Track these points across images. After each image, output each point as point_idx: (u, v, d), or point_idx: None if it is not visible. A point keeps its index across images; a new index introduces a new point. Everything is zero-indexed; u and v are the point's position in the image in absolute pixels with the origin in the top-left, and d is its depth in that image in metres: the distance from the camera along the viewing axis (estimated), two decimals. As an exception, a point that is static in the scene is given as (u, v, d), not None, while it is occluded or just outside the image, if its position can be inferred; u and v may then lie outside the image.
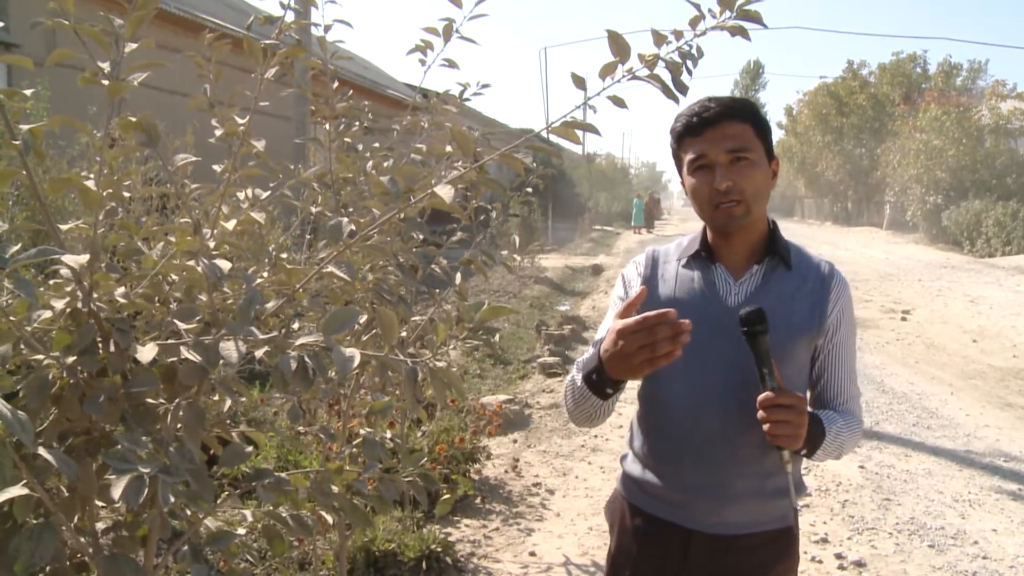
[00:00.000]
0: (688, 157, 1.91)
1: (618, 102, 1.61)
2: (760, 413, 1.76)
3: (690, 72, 1.62)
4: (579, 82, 1.57)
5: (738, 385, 1.85)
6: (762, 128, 1.91)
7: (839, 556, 4.61)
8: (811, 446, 1.84)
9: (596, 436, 6.66)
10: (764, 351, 1.78)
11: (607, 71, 1.55)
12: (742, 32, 1.63)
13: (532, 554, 4.51)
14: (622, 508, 2.09)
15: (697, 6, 1.59)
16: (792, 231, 37.24)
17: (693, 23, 1.60)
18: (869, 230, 43.32)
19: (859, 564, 4.53)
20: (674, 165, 2.01)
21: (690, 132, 1.90)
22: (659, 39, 1.59)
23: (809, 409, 1.84)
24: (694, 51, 1.61)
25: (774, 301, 1.90)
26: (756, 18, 1.62)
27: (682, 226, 45.20)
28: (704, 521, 1.93)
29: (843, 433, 1.91)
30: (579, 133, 1.62)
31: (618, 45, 1.53)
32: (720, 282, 1.96)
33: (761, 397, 1.76)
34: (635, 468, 2.07)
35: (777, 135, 60.09)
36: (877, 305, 14.44)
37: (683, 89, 1.62)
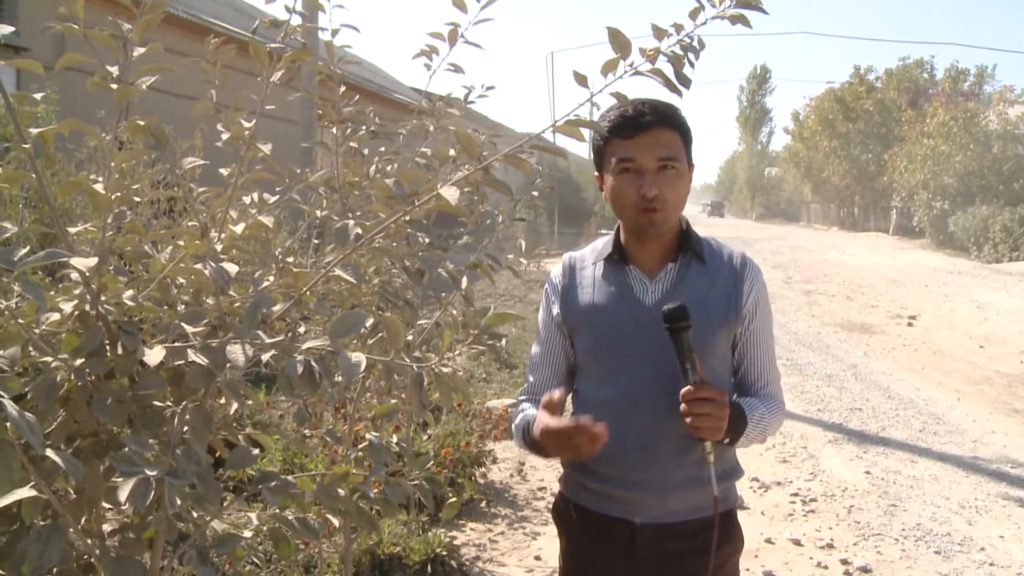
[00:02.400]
0: (615, 158, 1.94)
1: (621, 98, 1.61)
2: (683, 407, 1.82)
3: (692, 65, 1.62)
4: (582, 80, 1.57)
5: (665, 379, 1.90)
6: (688, 136, 1.96)
7: (845, 562, 4.60)
8: (733, 435, 1.90)
9: (601, 441, 6.64)
10: (686, 346, 1.84)
11: (609, 67, 1.55)
12: (743, 20, 1.63)
13: (537, 558, 4.51)
14: (568, 509, 2.13)
15: None
16: (798, 236, 37.26)
17: (693, 14, 1.59)
18: (875, 235, 43.25)
19: (865, 570, 4.52)
20: (593, 159, 2.05)
21: (621, 133, 1.93)
22: (659, 33, 1.59)
23: (733, 399, 1.93)
24: (695, 43, 1.61)
25: (690, 296, 1.94)
26: (755, 5, 1.61)
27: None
28: (648, 514, 1.98)
29: (765, 418, 1.97)
30: (586, 134, 1.62)
31: (619, 41, 1.53)
32: (635, 282, 2.02)
33: (683, 391, 1.83)
34: (576, 469, 2.09)
35: (784, 140, 59.81)
36: (883, 311, 14.41)
37: (685, 82, 1.61)
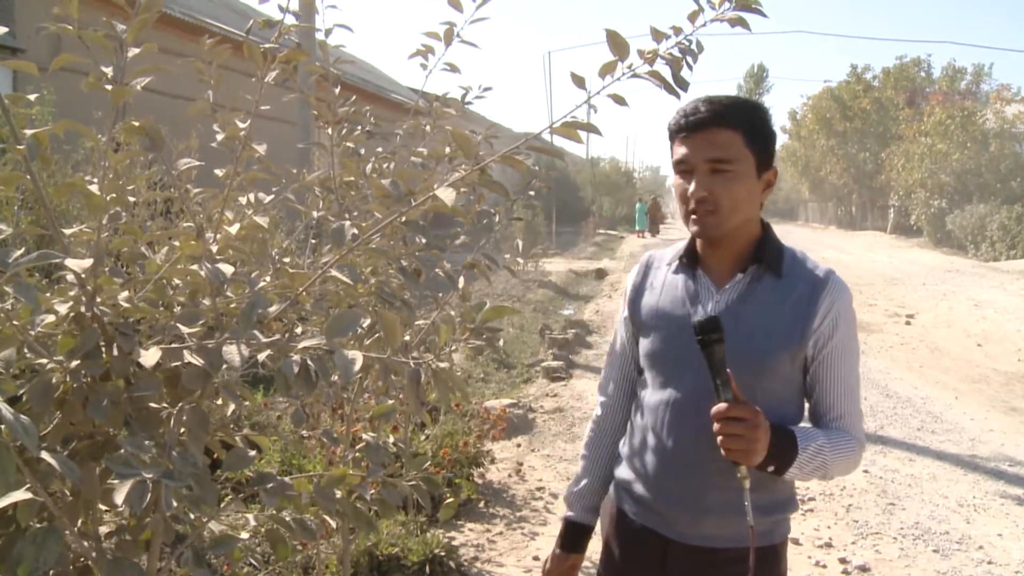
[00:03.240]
0: (674, 157, 1.88)
1: (619, 100, 1.60)
2: (715, 426, 1.71)
3: (690, 67, 1.62)
4: (579, 81, 1.57)
5: (714, 394, 1.76)
6: (756, 136, 1.82)
7: (843, 561, 4.61)
8: (778, 463, 1.76)
9: (600, 440, 6.65)
10: (719, 360, 1.72)
11: (607, 69, 1.54)
12: (742, 22, 1.62)
13: (535, 558, 4.50)
14: (611, 511, 2.10)
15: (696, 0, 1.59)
16: (795, 235, 37.25)
17: (692, 17, 1.59)
18: (873, 234, 43.30)
19: (863, 569, 4.52)
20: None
21: (678, 132, 1.86)
22: (658, 35, 1.59)
23: (793, 425, 1.80)
24: (694, 46, 1.61)
25: (756, 311, 1.85)
26: (755, 8, 1.61)
27: (685, 230, 45.11)
28: (680, 531, 1.90)
29: (824, 452, 1.80)
30: (582, 135, 1.62)
31: (617, 43, 1.53)
32: (703, 290, 1.92)
33: (714, 409, 1.72)
34: (623, 472, 2.05)
35: (781, 139, 60.09)
36: (881, 309, 14.42)
37: (683, 85, 1.61)
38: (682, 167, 1.85)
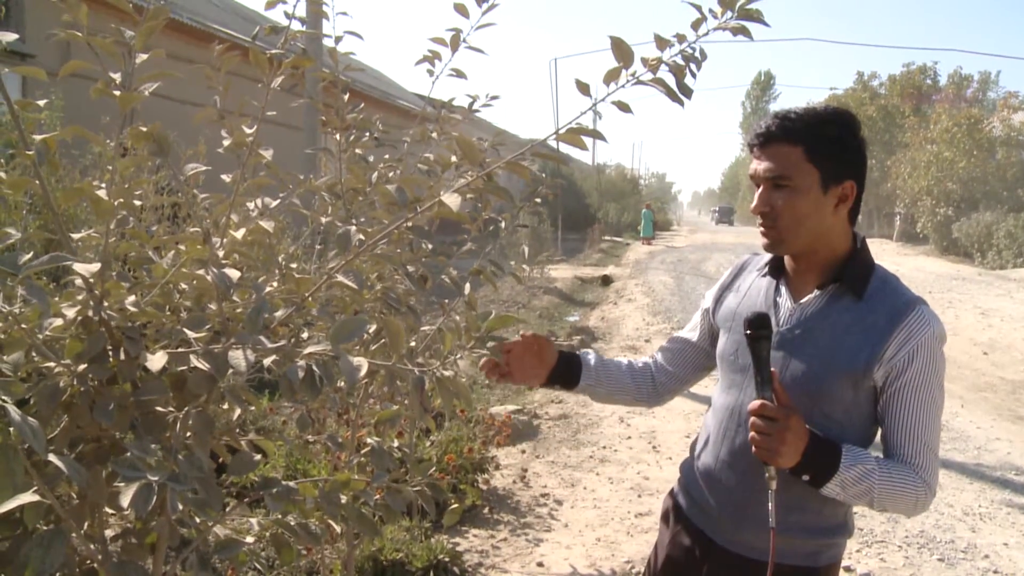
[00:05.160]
0: (750, 170, 1.91)
1: (623, 107, 1.61)
2: (751, 420, 1.73)
3: (694, 75, 1.63)
4: (584, 88, 1.58)
5: (757, 392, 1.77)
6: (820, 150, 1.79)
7: (848, 569, 4.59)
8: (814, 473, 1.73)
9: (604, 447, 6.65)
10: (764, 357, 1.74)
11: (611, 77, 1.56)
12: (744, 32, 1.63)
13: (540, 564, 4.50)
14: (670, 502, 2.16)
15: (699, 8, 1.60)
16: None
17: (695, 25, 1.60)
18: (880, 242, 43.18)
19: (869, 577, 4.51)
20: None
21: (751, 147, 1.89)
22: (662, 43, 1.60)
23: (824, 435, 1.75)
24: (697, 54, 1.62)
25: (826, 330, 1.82)
26: (758, 17, 1.62)
27: (691, 237, 45.14)
28: (723, 536, 1.94)
29: (872, 476, 1.72)
30: (588, 142, 1.63)
31: (621, 50, 1.54)
32: (782, 301, 1.92)
33: (750, 404, 1.74)
34: (687, 470, 2.10)
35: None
36: (887, 317, 14.37)
37: (687, 92, 1.62)
38: (753, 180, 1.88)
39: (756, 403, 1.72)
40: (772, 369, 1.75)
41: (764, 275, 1.99)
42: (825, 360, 1.79)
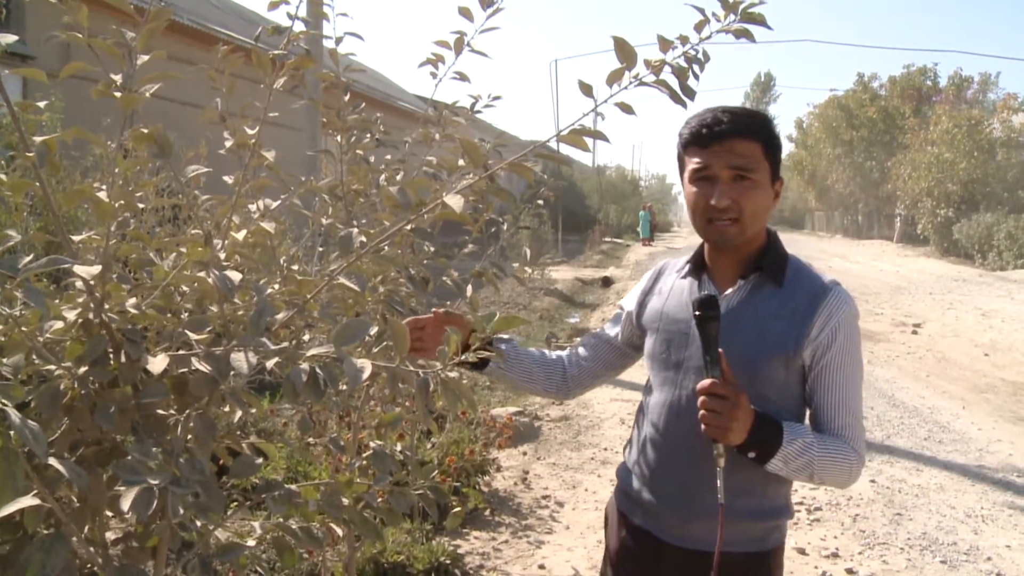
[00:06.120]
0: (691, 166, 1.90)
1: (626, 108, 1.61)
2: (699, 399, 1.77)
3: (696, 77, 1.63)
4: (586, 90, 1.57)
5: (704, 372, 1.83)
6: (772, 147, 1.89)
7: (850, 571, 4.59)
8: (760, 450, 1.79)
9: (606, 449, 6.65)
10: (712, 337, 1.79)
11: (614, 78, 1.55)
12: (746, 34, 1.63)
13: (541, 567, 4.49)
14: (613, 513, 2.16)
15: (701, 10, 1.60)
16: (801, 244, 37.21)
17: (698, 28, 1.60)
18: (880, 243, 43.22)
19: (871, 579, 4.50)
20: (677, 168, 2.01)
21: (697, 142, 1.89)
22: (665, 45, 1.60)
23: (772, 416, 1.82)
24: (700, 56, 1.62)
25: (752, 317, 1.90)
26: (760, 20, 1.62)
27: (691, 239, 45.17)
28: (671, 533, 1.95)
29: (812, 450, 1.81)
30: (589, 143, 1.62)
31: (624, 51, 1.53)
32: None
33: (700, 384, 1.78)
34: (624, 473, 2.11)
35: (787, 148, 60.04)
36: (888, 318, 14.38)
37: (690, 94, 1.62)
38: (702, 174, 1.88)
39: (707, 382, 1.77)
40: (719, 350, 1.80)
41: (684, 276, 2.04)
42: (757, 344, 1.87)
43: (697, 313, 1.81)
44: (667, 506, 1.95)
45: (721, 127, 1.85)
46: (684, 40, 1.60)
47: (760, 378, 1.86)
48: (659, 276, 2.14)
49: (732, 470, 1.81)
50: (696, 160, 1.88)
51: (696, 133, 1.88)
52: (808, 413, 1.95)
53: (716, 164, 1.85)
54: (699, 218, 1.91)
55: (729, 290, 1.94)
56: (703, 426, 1.76)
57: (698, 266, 2.01)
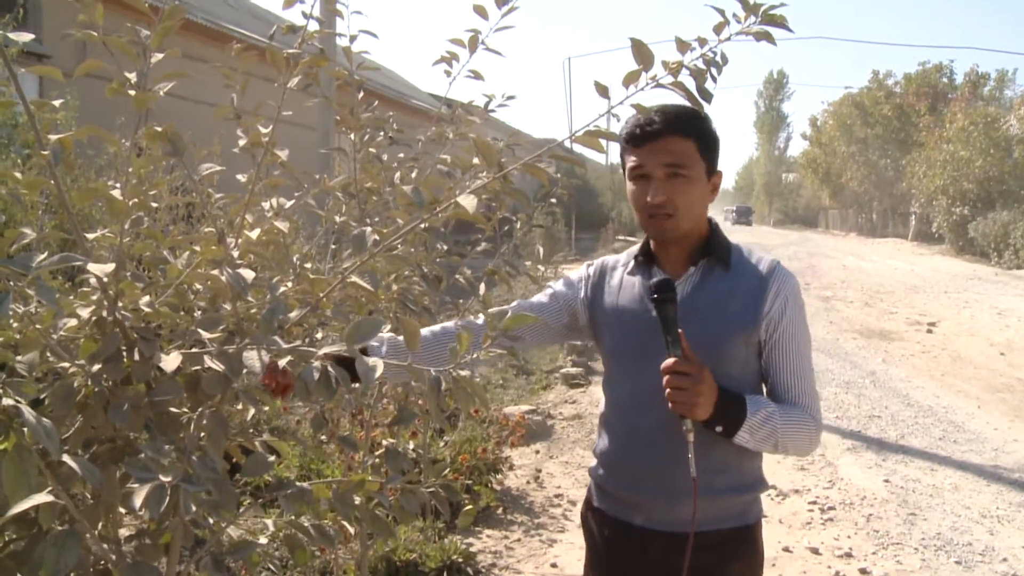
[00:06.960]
0: (629, 165, 1.98)
1: (641, 110, 1.60)
2: (664, 379, 1.82)
3: (715, 79, 1.62)
4: (602, 91, 1.57)
5: (665, 353, 1.88)
6: (706, 144, 1.95)
7: (864, 571, 4.56)
8: (726, 423, 1.86)
9: (618, 447, 6.63)
10: (671, 318, 1.86)
11: (631, 79, 1.55)
12: (767, 37, 1.62)
13: (554, 565, 4.49)
14: (588, 513, 2.18)
15: (721, 12, 1.59)
16: (815, 242, 37.07)
17: (717, 29, 1.59)
18: (894, 241, 43.00)
19: (885, 580, 4.48)
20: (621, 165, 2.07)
21: (632, 141, 1.95)
22: (683, 46, 1.59)
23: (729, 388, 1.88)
24: (718, 58, 1.61)
25: (709, 299, 1.97)
26: (781, 22, 1.61)
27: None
28: (658, 520, 1.98)
29: (774, 420, 1.90)
30: (603, 142, 1.62)
31: (641, 53, 1.53)
32: None
33: (663, 364, 1.84)
34: (597, 472, 2.13)
35: (801, 145, 59.59)
36: (902, 317, 14.31)
37: (707, 96, 1.61)
38: (638, 172, 1.95)
39: (670, 361, 1.83)
40: (679, 330, 1.86)
41: (631, 270, 2.09)
42: (718, 322, 1.95)
43: (655, 296, 1.87)
44: (651, 494, 1.98)
45: (653, 127, 1.91)
46: (703, 42, 1.60)
47: (723, 355, 1.94)
48: (603, 273, 2.16)
49: (708, 449, 1.89)
50: (633, 159, 1.96)
51: (631, 133, 1.95)
52: (765, 388, 2.03)
53: (650, 163, 1.92)
54: (640, 214, 1.99)
55: (681, 278, 2.00)
56: (670, 404, 1.82)
57: (647, 258, 2.07)
